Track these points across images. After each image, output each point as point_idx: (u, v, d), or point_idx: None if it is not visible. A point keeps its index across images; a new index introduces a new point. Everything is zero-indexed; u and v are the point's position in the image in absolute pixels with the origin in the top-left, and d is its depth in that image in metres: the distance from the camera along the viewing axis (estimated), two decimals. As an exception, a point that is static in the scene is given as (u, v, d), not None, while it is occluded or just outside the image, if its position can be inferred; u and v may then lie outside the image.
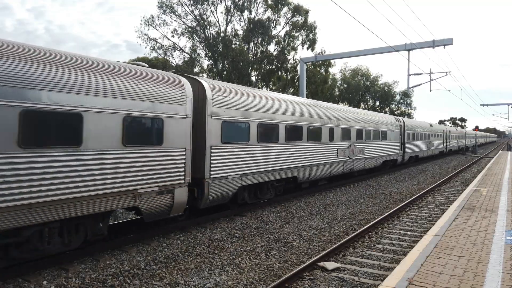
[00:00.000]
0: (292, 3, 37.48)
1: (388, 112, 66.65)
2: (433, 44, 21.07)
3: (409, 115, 73.89)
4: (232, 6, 36.55)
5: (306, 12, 37.93)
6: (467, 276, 5.43)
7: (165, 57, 38.68)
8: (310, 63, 35.78)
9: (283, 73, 40.42)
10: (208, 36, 37.48)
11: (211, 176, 9.57)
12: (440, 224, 8.62)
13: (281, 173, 12.52)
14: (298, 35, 38.70)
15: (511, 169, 22.75)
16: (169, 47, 37.96)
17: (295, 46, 38.88)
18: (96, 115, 6.88)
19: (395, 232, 9.92)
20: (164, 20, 36.72)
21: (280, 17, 37.66)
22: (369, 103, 71.19)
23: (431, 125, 35.27)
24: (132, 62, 8.71)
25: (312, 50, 38.89)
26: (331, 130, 15.85)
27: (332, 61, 42.10)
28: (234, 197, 10.95)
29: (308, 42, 38.62)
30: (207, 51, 38.02)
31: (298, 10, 37.58)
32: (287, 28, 38.33)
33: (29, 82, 5.94)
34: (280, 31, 38.37)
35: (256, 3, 37.11)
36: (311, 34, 38.49)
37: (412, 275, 5.45)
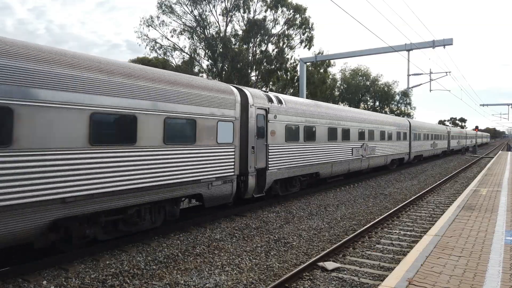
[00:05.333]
0: (291, 4, 37.51)
1: (388, 113, 61.04)
2: (433, 44, 21.07)
3: (409, 115, 73.84)
4: (229, 5, 36.54)
5: (304, 10, 37.94)
6: (467, 276, 5.44)
7: (165, 57, 38.65)
8: (310, 63, 35.77)
9: (283, 73, 40.38)
10: (207, 36, 37.46)
11: None
12: (440, 224, 8.62)
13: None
14: (296, 34, 38.72)
15: (511, 169, 22.76)
16: (169, 47, 37.93)
17: (294, 46, 38.90)
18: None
19: (395, 232, 9.92)
20: (163, 21, 36.68)
21: (279, 16, 37.71)
22: (369, 103, 71.18)
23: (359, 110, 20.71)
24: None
25: (309, 48, 38.87)
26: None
27: (331, 60, 42.09)
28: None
29: (306, 41, 38.61)
30: (206, 51, 38.00)
31: (298, 9, 37.58)
32: (286, 27, 38.37)
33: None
34: (279, 31, 38.41)
35: (254, 2, 37.13)
36: (307, 33, 38.48)
37: (412, 275, 5.45)
